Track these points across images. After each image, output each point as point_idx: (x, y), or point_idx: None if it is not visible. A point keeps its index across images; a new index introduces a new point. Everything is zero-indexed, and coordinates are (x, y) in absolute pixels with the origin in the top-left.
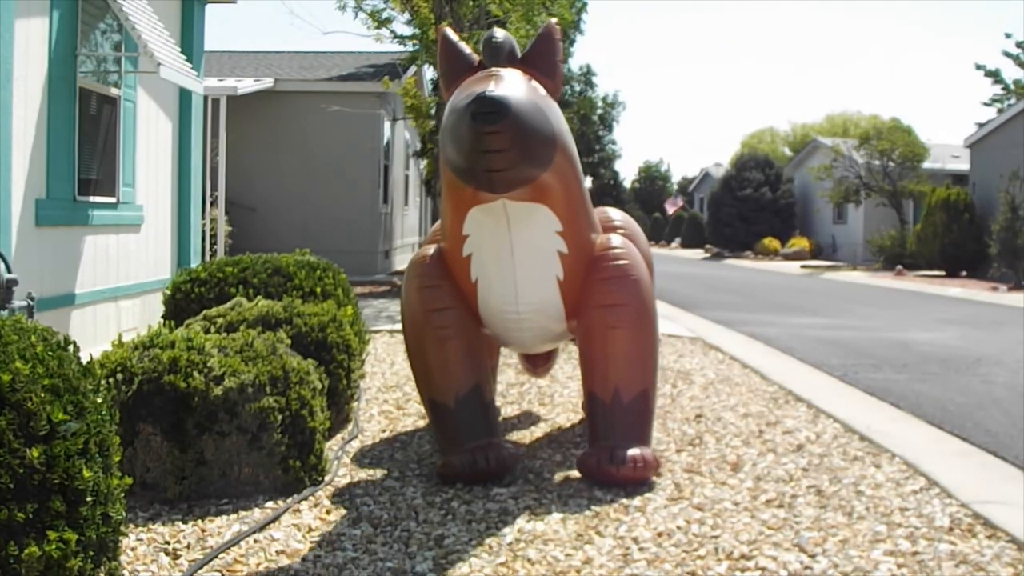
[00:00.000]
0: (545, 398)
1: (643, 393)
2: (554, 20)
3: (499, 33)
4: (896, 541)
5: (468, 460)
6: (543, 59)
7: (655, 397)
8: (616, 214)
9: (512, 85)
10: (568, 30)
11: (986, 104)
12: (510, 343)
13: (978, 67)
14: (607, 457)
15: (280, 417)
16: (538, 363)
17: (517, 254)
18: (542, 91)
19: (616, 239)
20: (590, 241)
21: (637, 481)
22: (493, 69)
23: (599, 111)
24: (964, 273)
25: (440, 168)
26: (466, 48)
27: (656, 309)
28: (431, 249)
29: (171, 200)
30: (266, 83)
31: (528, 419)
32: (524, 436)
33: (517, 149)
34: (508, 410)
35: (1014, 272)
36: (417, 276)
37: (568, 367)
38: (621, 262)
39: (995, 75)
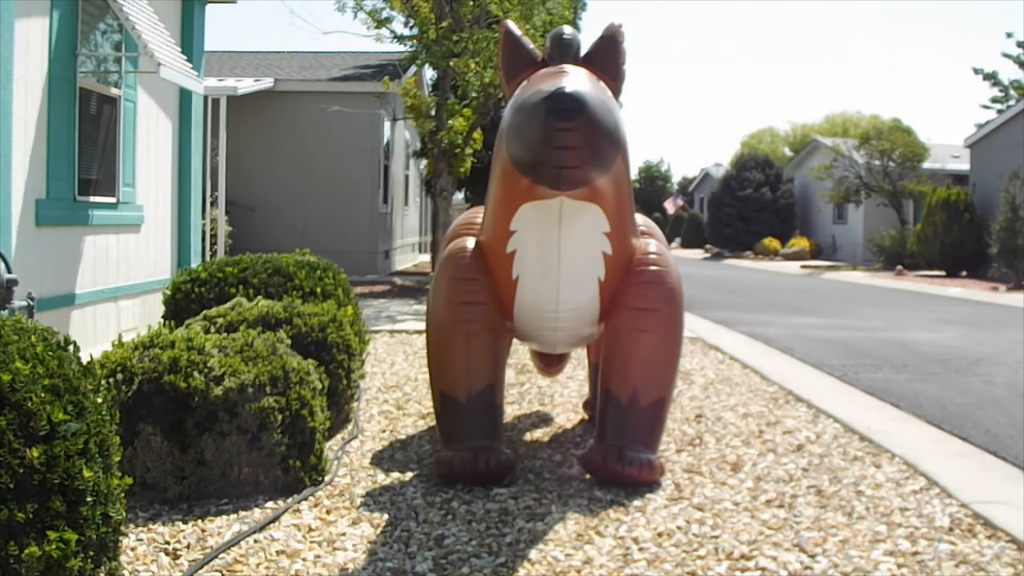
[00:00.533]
0: (545, 398)
1: (660, 400)
2: (618, 22)
3: (567, 30)
4: (896, 541)
5: (469, 459)
6: (607, 60)
7: (669, 406)
8: (639, 218)
9: (585, 83)
10: None
11: (985, 107)
12: (539, 342)
13: (976, 71)
14: (615, 455)
15: (280, 417)
16: (552, 363)
17: (564, 252)
18: (608, 92)
19: (654, 244)
20: (631, 245)
21: (641, 483)
22: (562, 66)
23: None
24: (964, 273)
25: (493, 161)
26: (529, 43)
27: (684, 319)
28: (470, 242)
29: (171, 200)
30: (266, 83)
31: (528, 419)
32: (524, 436)
33: (589, 147)
34: (508, 410)
35: (1014, 272)
36: (452, 267)
37: (568, 367)
38: (657, 267)
39: (993, 77)
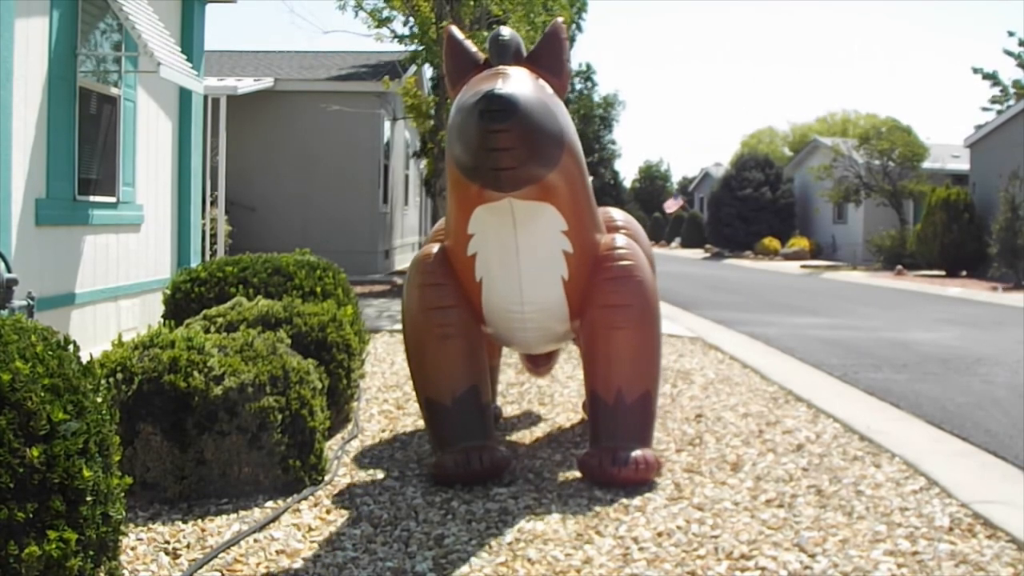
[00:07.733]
0: (545, 398)
1: (646, 394)
2: (560, 19)
3: (505, 31)
4: (896, 541)
5: (462, 460)
6: (550, 57)
7: (657, 398)
8: (618, 214)
9: (520, 83)
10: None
11: (985, 110)
12: (513, 343)
13: (975, 71)
14: (609, 458)
15: (280, 417)
16: (539, 363)
17: (522, 253)
18: (549, 90)
19: (621, 239)
20: (595, 241)
21: (639, 483)
22: (500, 67)
23: (599, 111)
24: (964, 273)
25: (445, 166)
26: (472, 46)
27: (660, 310)
28: (435, 248)
29: (171, 200)
30: (266, 83)
31: (528, 419)
32: (524, 436)
33: (525, 147)
34: (508, 410)
35: (1014, 272)
36: (420, 274)
37: (568, 367)
38: (626, 262)
39: (993, 77)
